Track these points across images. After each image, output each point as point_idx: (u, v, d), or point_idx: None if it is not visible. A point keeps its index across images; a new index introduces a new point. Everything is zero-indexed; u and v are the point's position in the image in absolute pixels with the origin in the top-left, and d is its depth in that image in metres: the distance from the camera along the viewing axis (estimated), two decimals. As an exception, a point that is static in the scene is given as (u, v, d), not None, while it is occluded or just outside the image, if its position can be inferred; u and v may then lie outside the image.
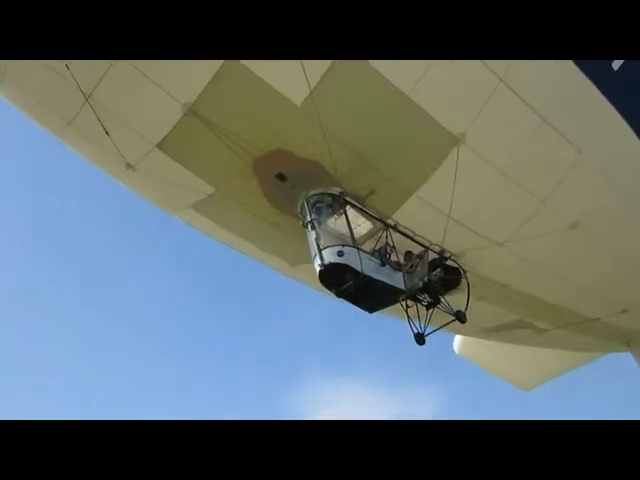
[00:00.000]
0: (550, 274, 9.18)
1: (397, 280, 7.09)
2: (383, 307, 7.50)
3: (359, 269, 6.65)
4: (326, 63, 6.17)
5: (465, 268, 8.55)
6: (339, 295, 6.96)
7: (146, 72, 6.24)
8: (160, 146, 7.07)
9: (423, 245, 7.97)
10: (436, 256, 8.20)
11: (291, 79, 6.22)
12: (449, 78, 6.58)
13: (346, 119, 6.67)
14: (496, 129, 7.20)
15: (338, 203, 7.26)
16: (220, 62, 6.10)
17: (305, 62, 6.07)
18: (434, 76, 6.47)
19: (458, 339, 15.03)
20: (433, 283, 7.83)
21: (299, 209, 7.29)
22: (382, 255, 7.10)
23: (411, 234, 7.85)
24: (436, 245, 8.10)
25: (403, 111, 6.61)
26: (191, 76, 6.27)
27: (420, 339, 7.87)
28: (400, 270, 7.23)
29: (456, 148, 7.04)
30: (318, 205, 7.24)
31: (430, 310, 8.05)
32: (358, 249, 6.83)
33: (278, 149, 6.82)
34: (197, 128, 6.70)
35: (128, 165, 7.67)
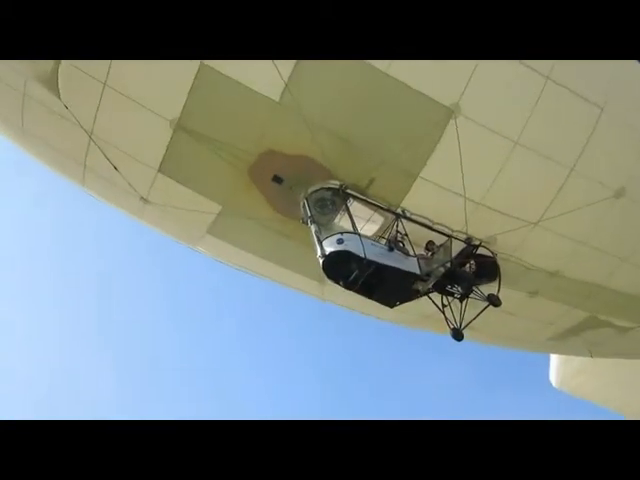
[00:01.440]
0: (605, 254, 8.13)
1: (409, 265, 6.56)
2: (402, 299, 6.96)
3: (362, 254, 6.25)
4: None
5: (502, 257, 7.82)
6: (348, 287, 6.55)
7: (128, 93, 6.58)
8: (161, 170, 7.29)
9: (444, 233, 7.40)
10: (464, 245, 7.58)
11: (264, 75, 6.25)
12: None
13: (326, 106, 6.53)
14: (495, 94, 6.73)
15: (340, 197, 7.00)
16: (195, 70, 6.28)
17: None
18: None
19: (555, 371, 13.64)
20: (460, 271, 7.18)
21: (302, 211, 7.10)
22: (391, 242, 6.65)
23: (429, 223, 7.33)
24: (459, 232, 7.49)
25: (384, 89, 6.38)
26: (170, 90, 6.50)
27: (458, 334, 7.17)
28: (413, 256, 6.72)
29: (452, 120, 6.63)
30: (320, 203, 7.02)
31: (464, 302, 7.37)
32: (360, 235, 6.46)
33: (268, 150, 6.78)
34: (188, 143, 6.86)
35: (142, 199, 7.97)
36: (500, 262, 7.81)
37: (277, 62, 6.14)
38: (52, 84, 6.74)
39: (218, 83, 6.35)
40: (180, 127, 6.73)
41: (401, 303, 7.05)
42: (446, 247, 7.28)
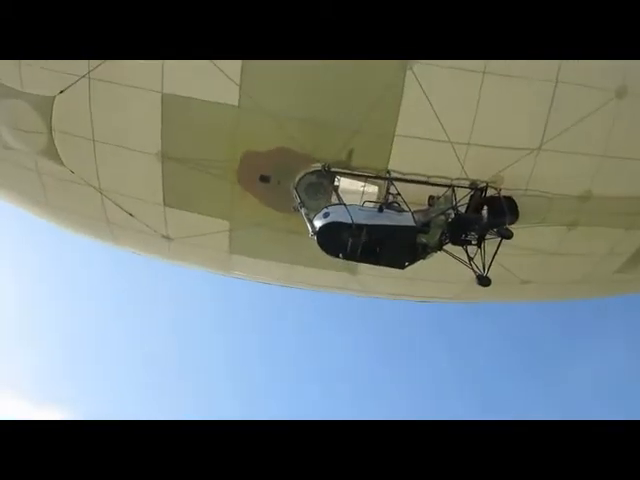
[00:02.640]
0: (634, 161, 7.44)
1: (402, 220, 6.44)
2: (410, 257, 6.76)
3: (349, 221, 6.25)
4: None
5: (517, 193, 7.43)
6: (349, 258, 6.54)
7: (113, 141, 7.23)
8: (166, 203, 7.84)
9: (444, 185, 7.19)
10: (470, 192, 7.30)
11: (217, 85, 6.64)
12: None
13: (282, 95, 6.73)
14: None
15: (328, 178, 7.09)
16: (159, 101, 6.83)
17: (218, 62, 6.49)
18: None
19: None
20: (464, 216, 6.91)
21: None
22: (382, 204, 6.60)
23: (423, 178, 7.18)
24: (460, 180, 7.24)
25: (331, 62, 6.50)
26: (145, 126, 7.05)
27: (484, 280, 6.86)
28: (407, 211, 6.59)
29: (409, 71, 6.57)
30: (310, 189, 7.14)
31: (482, 245, 7.06)
32: (345, 204, 6.48)
33: (245, 153, 7.08)
34: (178, 170, 7.36)
35: (164, 237, 8.55)
36: (517, 199, 7.43)
37: (224, 68, 6.52)
38: (53, 155, 7.59)
39: (182, 106, 6.83)
40: (166, 157, 7.25)
41: (412, 262, 6.88)
42: (446, 197, 7.06)
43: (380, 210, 6.47)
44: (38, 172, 8.01)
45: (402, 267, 6.84)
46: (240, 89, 6.65)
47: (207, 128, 6.98)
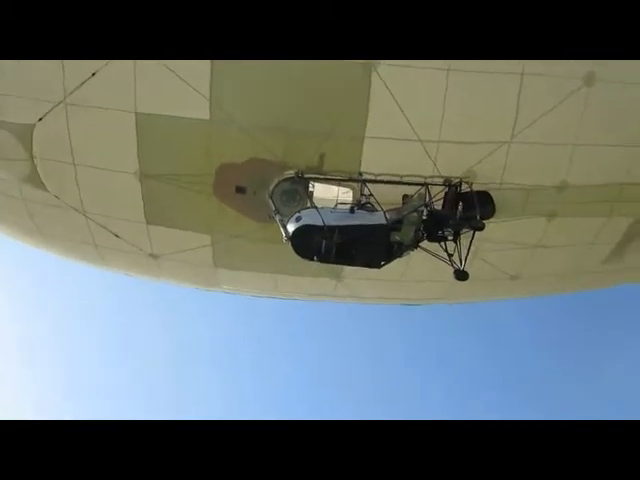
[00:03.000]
0: (608, 148, 7.48)
1: (374, 219, 6.52)
2: (385, 256, 6.81)
3: (320, 223, 6.34)
4: (206, 67, 6.68)
5: (494, 187, 7.50)
6: (322, 260, 6.60)
7: (92, 163, 7.41)
8: (148, 221, 7.97)
9: (417, 183, 7.27)
10: (445, 189, 7.37)
11: (188, 100, 6.82)
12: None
13: (252, 106, 6.90)
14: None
15: (302, 184, 7.20)
16: (133, 121, 7.01)
17: (187, 78, 6.68)
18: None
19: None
20: (436, 212, 6.97)
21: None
22: (354, 205, 6.69)
23: (396, 178, 7.27)
24: (433, 177, 7.32)
25: (295, 70, 6.67)
26: (122, 146, 7.21)
27: (461, 275, 6.89)
28: (379, 210, 6.67)
29: (374, 72, 6.71)
30: (285, 196, 7.25)
31: (459, 241, 7.10)
32: (316, 208, 6.58)
33: (220, 166, 7.23)
34: (156, 187, 7.50)
35: (151, 255, 8.68)
36: (492, 192, 7.50)
37: (193, 83, 6.71)
38: (37, 182, 7.78)
39: (155, 124, 7.00)
40: (143, 175, 7.40)
41: (387, 262, 6.92)
42: (420, 194, 7.13)
43: (352, 211, 6.56)
44: (24, 199, 8.20)
45: (378, 266, 6.89)
46: (210, 103, 6.83)
47: (181, 144, 7.14)
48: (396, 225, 6.59)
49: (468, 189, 7.36)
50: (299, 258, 7.07)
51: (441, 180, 7.32)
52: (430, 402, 23.19)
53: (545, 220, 8.08)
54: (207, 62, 6.64)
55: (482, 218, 7.39)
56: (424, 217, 6.90)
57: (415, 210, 6.79)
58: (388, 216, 6.59)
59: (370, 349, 23.89)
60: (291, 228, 6.50)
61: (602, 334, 21.79)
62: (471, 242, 7.03)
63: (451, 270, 7.89)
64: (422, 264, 8.11)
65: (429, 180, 7.28)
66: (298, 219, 6.48)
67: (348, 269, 8.56)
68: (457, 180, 7.32)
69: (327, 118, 6.90)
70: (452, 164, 7.27)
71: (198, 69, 6.67)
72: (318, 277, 8.85)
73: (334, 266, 8.35)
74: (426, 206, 6.89)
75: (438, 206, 7.15)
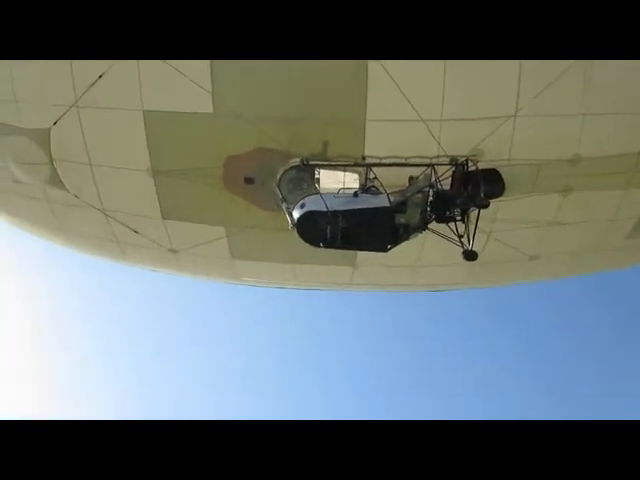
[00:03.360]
0: (619, 116, 7.26)
1: (377, 202, 6.54)
2: (391, 239, 6.81)
3: (324, 209, 6.41)
4: (206, 62, 6.85)
5: (503, 163, 7.40)
6: (328, 245, 6.67)
7: (107, 162, 7.71)
8: (164, 216, 8.23)
9: (422, 164, 7.25)
10: (452, 169, 7.31)
11: (191, 95, 7.00)
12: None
13: (254, 97, 7.03)
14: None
15: (308, 171, 7.29)
16: (141, 119, 7.25)
17: (188, 73, 6.87)
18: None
19: None
20: (442, 192, 6.93)
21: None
22: (358, 190, 6.74)
23: (401, 160, 7.26)
24: (439, 157, 7.27)
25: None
26: (133, 144, 7.46)
27: (470, 255, 6.84)
28: (383, 193, 6.69)
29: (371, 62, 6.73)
30: (292, 184, 7.35)
31: (467, 221, 7.05)
32: (320, 194, 6.65)
33: (227, 158, 7.40)
34: (169, 183, 7.74)
35: (170, 250, 8.95)
36: (501, 169, 7.40)
37: (195, 78, 6.89)
38: (58, 182, 8.15)
39: (162, 121, 7.23)
40: (155, 171, 7.65)
41: (394, 245, 6.92)
42: (426, 175, 7.11)
43: (355, 195, 6.60)
44: (48, 201, 8.59)
45: (385, 250, 6.90)
46: (213, 96, 6.99)
47: (188, 138, 7.34)
48: (400, 207, 6.61)
49: (472, 167, 7.30)
50: (310, 245, 7.18)
51: (447, 160, 7.27)
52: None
53: (559, 196, 7.90)
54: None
55: (491, 197, 7.33)
56: (430, 198, 6.87)
57: (419, 191, 6.78)
58: (392, 198, 6.60)
59: (406, 337, 23.76)
60: (296, 215, 6.61)
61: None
62: (477, 221, 6.94)
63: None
64: (436, 248, 8.07)
65: (435, 160, 7.24)
66: (302, 206, 6.57)
67: (362, 256, 8.60)
68: (463, 159, 7.25)
69: (327, 104, 6.96)
70: (457, 143, 7.21)
71: (199, 64, 6.84)
72: (334, 265, 8.92)
73: (348, 253, 8.44)
74: (431, 187, 6.86)
75: (445, 186, 7.09)
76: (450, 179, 7.33)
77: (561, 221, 8.26)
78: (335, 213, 6.38)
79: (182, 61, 6.82)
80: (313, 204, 6.52)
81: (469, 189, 7.09)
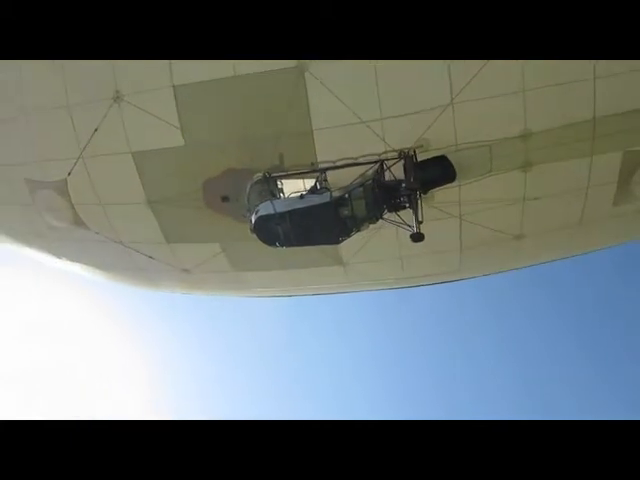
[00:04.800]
0: (563, 86, 7.37)
1: (319, 199, 7.20)
2: (340, 232, 7.39)
3: (272, 211, 7.19)
4: (169, 95, 7.91)
5: (452, 149, 7.78)
6: (285, 244, 7.39)
7: (113, 200, 9.04)
8: (168, 240, 9.42)
9: (372, 162, 7.79)
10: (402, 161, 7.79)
11: (164, 133, 8.15)
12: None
13: (215, 125, 8.01)
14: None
15: (271, 184, 8.11)
16: (132, 160, 8.51)
17: (156, 112, 8.01)
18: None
19: None
20: (385, 183, 7.44)
21: None
22: (305, 191, 7.45)
23: (351, 161, 7.86)
24: (388, 153, 7.79)
25: (239, 88, 7.65)
26: (129, 182, 8.74)
27: (416, 237, 7.29)
28: (327, 191, 7.34)
29: (307, 73, 7.48)
30: (260, 196, 8.18)
31: (415, 207, 7.49)
32: (270, 200, 7.43)
33: (204, 181, 8.43)
34: (164, 210, 8.92)
35: (184, 270, 10.13)
36: (451, 155, 7.77)
37: (164, 114, 8.00)
38: (81, 223, 9.63)
39: (146, 158, 8.44)
40: (151, 202, 8.86)
41: (346, 236, 7.48)
42: (374, 171, 7.64)
43: (301, 197, 7.32)
44: (80, 240, 10.12)
45: (337, 242, 7.49)
46: (182, 131, 8.10)
47: (169, 170, 8.48)
48: (341, 201, 7.20)
49: (426, 157, 7.73)
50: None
51: (396, 154, 7.77)
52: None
53: (521, 172, 8.07)
54: (171, 98, 7.91)
55: (447, 181, 7.74)
56: (374, 190, 7.41)
57: (361, 185, 7.34)
58: (334, 194, 7.23)
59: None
60: (252, 220, 7.44)
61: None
62: (416, 204, 7.35)
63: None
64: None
65: (383, 156, 7.78)
66: (256, 212, 7.40)
67: (345, 254, 9.22)
68: (409, 150, 7.72)
69: (276, 121, 7.79)
70: (401, 137, 7.70)
71: (165, 104, 7.96)
72: (325, 266, 9.60)
73: (333, 252, 9.12)
74: (373, 180, 7.40)
75: (388, 178, 7.59)
76: (403, 171, 7.81)
77: (533, 196, 8.37)
78: (282, 214, 7.14)
79: (153, 102, 7.96)
80: (264, 209, 7.32)
81: (414, 177, 7.53)
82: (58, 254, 10.90)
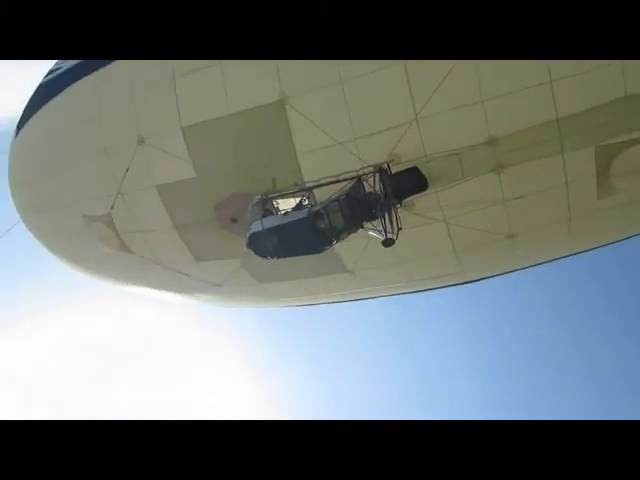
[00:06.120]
0: (524, 91, 7.86)
1: (298, 214, 8.18)
2: (322, 242, 8.27)
3: (260, 229, 8.29)
4: (179, 136, 9.32)
5: (423, 160, 8.49)
6: (277, 256, 8.44)
7: (148, 228, 10.61)
8: (197, 258, 10.83)
9: (351, 178, 8.66)
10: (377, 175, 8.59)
11: (178, 167, 9.57)
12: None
13: (220, 157, 9.31)
14: (300, 67, 8.49)
15: (269, 204, 9.23)
16: (156, 191, 10.02)
17: (169, 149, 9.44)
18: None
19: None
20: (359, 196, 8.26)
21: None
22: (289, 208, 8.49)
23: (333, 178, 8.77)
24: (363, 169, 8.62)
25: (229, 125, 8.93)
26: (156, 211, 10.25)
27: (387, 242, 8.07)
28: (307, 207, 8.32)
29: (287, 106, 8.59)
30: (260, 215, 9.33)
31: (387, 215, 8.28)
32: (261, 218, 8.53)
33: (215, 206, 9.74)
34: (188, 233, 10.35)
35: (216, 285, 11.51)
36: (423, 166, 8.47)
37: (178, 154, 9.43)
38: (127, 249, 11.32)
39: (168, 190, 9.92)
40: (176, 226, 10.33)
41: (328, 245, 8.35)
42: (352, 186, 8.50)
43: (286, 214, 8.36)
44: (130, 264, 11.84)
45: (320, 251, 8.39)
46: (193, 164, 9.49)
47: (186, 199, 9.90)
48: (318, 215, 8.13)
49: (400, 169, 8.51)
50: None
51: (372, 169, 8.61)
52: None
53: (494, 174, 8.56)
54: (181, 138, 9.33)
55: (419, 190, 8.47)
56: (350, 203, 8.27)
57: (336, 200, 8.24)
58: (311, 210, 8.19)
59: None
60: (246, 237, 8.58)
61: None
62: (389, 213, 8.11)
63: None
64: (409, 242, 9.26)
65: (361, 172, 8.64)
66: (249, 230, 8.54)
67: (348, 262, 10.11)
68: (383, 165, 8.52)
69: (265, 151, 8.95)
70: (375, 153, 8.53)
71: (178, 144, 9.39)
72: (335, 274, 10.53)
73: (335, 260, 10.05)
74: (347, 195, 8.27)
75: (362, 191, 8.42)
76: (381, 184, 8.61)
77: (512, 196, 8.80)
78: (269, 230, 8.21)
79: (168, 143, 9.42)
80: (254, 227, 8.43)
81: (388, 188, 8.32)
82: (115, 277, 12.77)
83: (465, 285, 11.12)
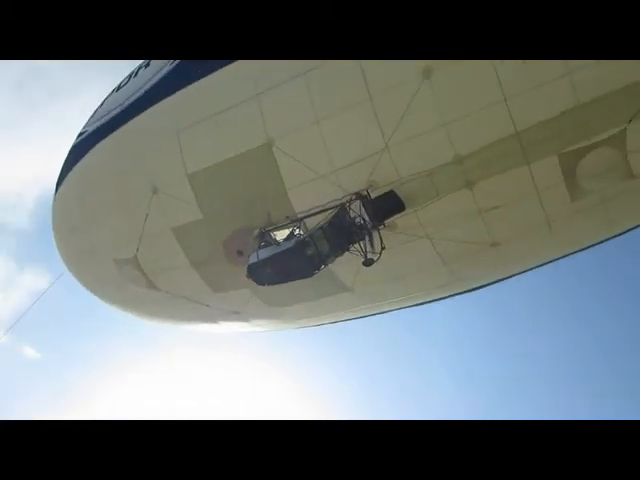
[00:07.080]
0: (490, 106, 8.48)
1: (286, 245, 9.10)
2: (312, 267, 9.12)
3: (256, 260, 9.26)
4: (186, 183, 10.49)
5: (397, 184, 9.27)
6: (274, 282, 9.37)
7: (167, 266, 11.81)
8: (214, 291, 11.92)
9: (336, 206, 9.51)
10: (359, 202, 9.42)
11: (186, 212, 10.74)
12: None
13: (221, 197, 10.39)
14: (284, 110, 9.53)
15: (267, 236, 10.21)
16: (171, 233, 11.19)
17: (179, 195, 10.63)
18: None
19: None
20: (341, 223, 9.10)
21: None
22: (279, 240, 9.44)
23: (321, 208, 9.66)
24: (346, 197, 9.47)
25: (222, 172, 10.04)
26: (173, 251, 11.42)
27: (367, 262, 8.87)
28: (295, 238, 9.24)
29: (274, 148, 9.61)
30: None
31: (367, 237, 9.08)
32: (257, 250, 9.50)
33: (222, 242, 10.81)
34: (203, 268, 11.47)
35: (235, 312, 12.57)
36: (398, 189, 9.25)
37: (184, 198, 10.62)
38: (153, 286, 12.56)
39: (180, 232, 11.09)
40: (193, 263, 11.47)
41: (317, 270, 9.19)
42: (335, 214, 9.34)
43: (277, 244, 9.31)
44: (152, 301, 13.10)
45: (310, 275, 9.25)
46: (199, 207, 10.63)
47: (197, 237, 11.03)
48: (305, 244, 9.02)
49: (378, 194, 9.33)
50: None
51: (353, 196, 9.46)
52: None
53: (467, 189, 9.21)
54: (187, 185, 10.51)
55: (398, 211, 9.26)
56: (334, 229, 9.13)
57: (320, 227, 9.11)
58: (298, 239, 9.10)
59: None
60: (246, 267, 9.58)
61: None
62: (370, 236, 8.92)
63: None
64: (399, 259, 10.04)
65: (344, 200, 9.50)
66: (247, 261, 9.53)
67: (346, 281, 10.91)
68: (364, 191, 9.35)
69: (260, 188, 9.98)
70: (353, 182, 9.38)
71: (185, 190, 10.57)
72: (337, 294, 11.35)
73: (334, 281, 10.89)
74: (330, 222, 9.13)
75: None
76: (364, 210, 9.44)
77: (488, 207, 9.40)
78: (264, 260, 9.17)
79: (177, 190, 10.62)
80: (252, 258, 9.42)
81: (370, 211, 9.14)
82: (149, 313, 14.08)
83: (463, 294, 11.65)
